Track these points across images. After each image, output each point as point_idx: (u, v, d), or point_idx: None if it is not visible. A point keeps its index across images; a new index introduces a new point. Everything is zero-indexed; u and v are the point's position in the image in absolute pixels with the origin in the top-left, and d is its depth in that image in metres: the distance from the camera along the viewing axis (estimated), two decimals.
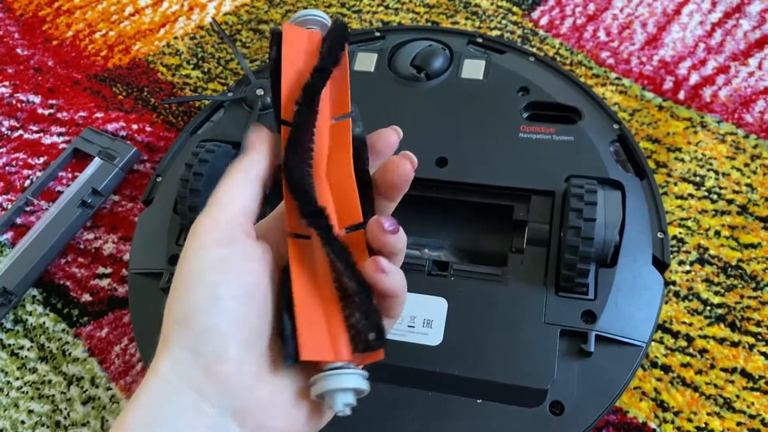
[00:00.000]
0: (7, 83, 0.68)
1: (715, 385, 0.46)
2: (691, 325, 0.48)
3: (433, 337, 0.43)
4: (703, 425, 0.45)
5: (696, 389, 0.46)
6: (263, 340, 0.29)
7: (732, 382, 0.46)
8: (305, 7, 0.70)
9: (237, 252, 0.29)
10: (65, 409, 0.49)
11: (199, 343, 0.28)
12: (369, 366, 0.42)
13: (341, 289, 0.29)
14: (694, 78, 0.60)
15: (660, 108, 0.58)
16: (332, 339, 0.29)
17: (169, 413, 0.27)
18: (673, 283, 0.50)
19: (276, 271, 0.31)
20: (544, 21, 0.66)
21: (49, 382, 0.51)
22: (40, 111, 0.66)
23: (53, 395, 0.50)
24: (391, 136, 0.34)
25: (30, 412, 0.50)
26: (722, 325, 0.48)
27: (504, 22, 0.66)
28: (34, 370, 0.51)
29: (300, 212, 0.29)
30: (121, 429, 0.27)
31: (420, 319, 0.43)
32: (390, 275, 0.29)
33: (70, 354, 0.52)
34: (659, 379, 0.46)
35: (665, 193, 0.54)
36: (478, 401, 0.41)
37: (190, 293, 0.28)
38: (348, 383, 0.29)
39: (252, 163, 0.31)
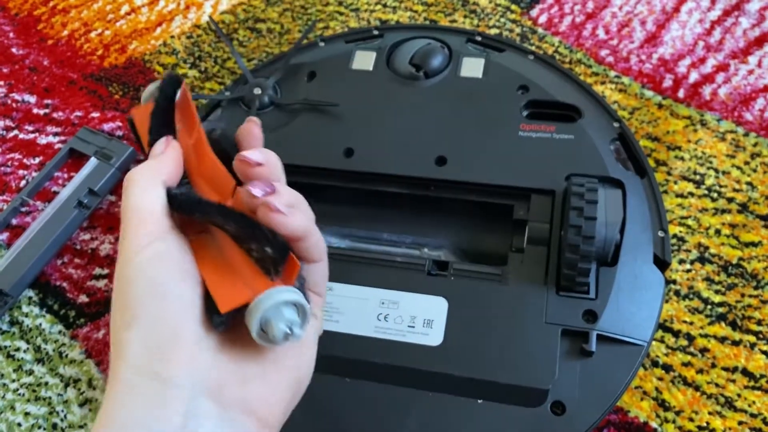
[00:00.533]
0: (2, 83, 0.68)
1: (717, 384, 0.46)
2: (692, 324, 0.48)
3: (434, 337, 0.43)
4: (705, 424, 0.44)
5: (697, 388, 0.46)
6: None
7: (733, 381, 0.46)
8: (302, 6, 0.70)
9: (170, 244, 0.29)
10: (62, 411, 0.49)
11: (149, 333, 0.27)
12: (365, 368, 0.42)
13: (243, 246, 0.30)
14: (694, 76, 0.60)
15: (660, 106, 0.58)
16: (246, 282, 0.29)
17: (136, 412, 0.26)
18: (674, 281, 0.50)
19: None
20: (542, 19, 0.65)
21: (46, 384, 0.50)
22: (35, 111, 0.66)
23: (50, 397, 0.50)
24: (251, 127, 0.34)
25: (26, 414, 0.49)
26: (723, 324, 0.48)
27: (503, 20, 0.66)
28: (30, 372, 0.51)
29: (184, 212, 0.31)
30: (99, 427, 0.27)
31: (420, 320, 0.43)
32: (274, 211, 0.29)
33: (66, 356, 0.51)
34: (660, 379, 0.46)
35: (665, 192, 0.53)
36: (479, 402, 0.41)
37: (131, 291, 0.28)
38: (271, 299, 0.28)
39: (153, 169, 0.32)
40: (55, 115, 0.65)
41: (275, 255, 0.28)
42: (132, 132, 0.38)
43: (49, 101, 0.66)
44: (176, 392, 0.27)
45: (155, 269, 0.28)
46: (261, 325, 0.28)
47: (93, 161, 0.60)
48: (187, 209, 0.31)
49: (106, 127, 0.63)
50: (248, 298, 0.28)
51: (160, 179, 0.31)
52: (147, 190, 0.31)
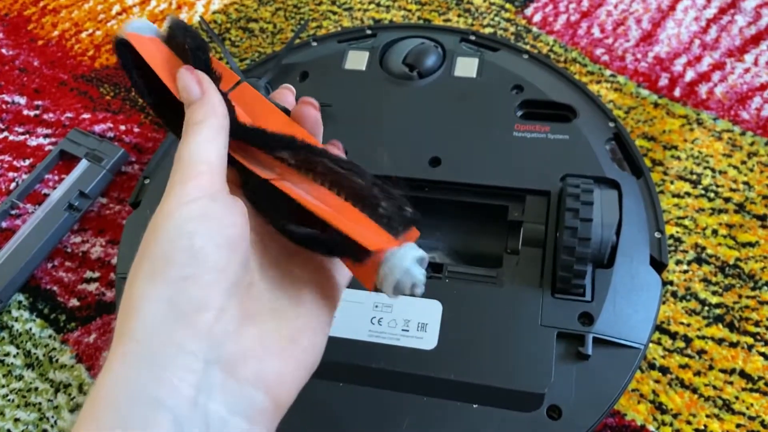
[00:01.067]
0: None
1: (714, 387, 0.45)
2: (689, 325, 0.48)
3: (428, 341, 0.42)
4: (702, 427, 0.44)
5: (695, 391, 0.45)
6: (244, 288, 0.28)
7: (731, 383, 0.45)
8: (295, 6, 0.69)
9: (219, 205, 0.28)
10: (52, 417, 0.48)
11: (176, 293, 0.26)
12: (359, 372, 0.41)
13: (345, 192, 0.29)
14: (690, 75, 0.59)
15: (655, 105, 0.58)
16: (378, 233, 0.28)
17: (144, 380, 0.25)
18: (671, 283, 0.49)
19: (254, 224, 0.30)
20: (537, 18, 0.65)
21: (36, 389, 0.50)
22: (25, 112, 0.65)
23: (40, 403, 0.49)
24: (286, 94, 0.34)
25: (16, 420, 0.48)
26: (720, 326, 0.47)
27: (497, 19, 0.65)
28: (20, 378, 0.50)
29: (269, 148, 0.30)
30: (93, 406, 0.25)
31: (414, 323, 0.43)
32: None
33: (57, 360, 0.51)
34: (657, 381, 0.46)
35: (661, 192, 0.53)
36: (474, 406, 0.40)
37: (165, 245, 0.26)
38: (413, 252, 0.27)
39: (212, 115, 0.29)
40: (45, 116, 0.64)
41: (410, 215, 0.29)
42: (119, 56, 0.33)
43: (39, 102, 0.65)
44: (190, 361, 0.25)
45: (197, 229, 0.26)
46: (399, 277, 0.27)
47: (84, 163, 0.59)
48: (305, 155, 0.30)
49: (97, 128, 0.63)
50: (393, 245, 0.27)
51: (223, 130, 0.29)
52: (209, 140, 0.29)
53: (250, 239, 0.30)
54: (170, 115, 0.33)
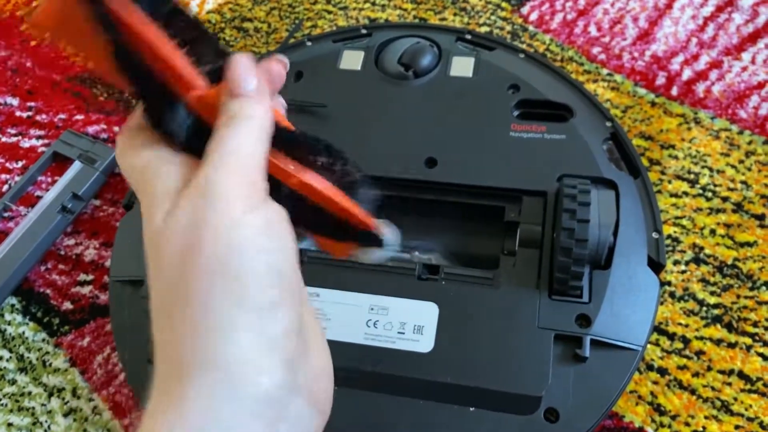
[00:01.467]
0: None
1: (713, 388, 0.45)
2: (687, 326, 0.47)
3: (424, 343, 0.42)
4: (701, 429, 0.44)
5: (693, 392, 0.45)
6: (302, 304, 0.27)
7: (729, 384, 0.45)
8: (290, 5, 0.69)
9: (272, 211, 0.25)
10: (46, 421, 0.48)
11: (264, 323, 0.24)
12: (355, 376, 0.41)
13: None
14: (687, 73, 0.59)
15: (653, 104, 0.57)
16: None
17: (226, 413, 0.22)
18: (669, 283, 0.49)
19: None
20: (533, 17, 0.65)
21: (29, 393, 0.49)
22: (18, 113, 0.64)
23: (33, 407, 0.49)
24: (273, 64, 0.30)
25: (9, 425, 0.48)
26: (719, 326, 0.47)
27: (493, 18, 0.65)
28: (13, 382, 0.50)
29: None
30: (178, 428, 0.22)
31: (410, 326, 0.42)
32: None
33: (50, 364, 0.50)
34: (655, 383, 0.45)
35: (659, 192, 0.53)
36: (471, 409, 0.40)
37: (244, 263, 0.23)
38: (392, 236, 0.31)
39: (264, 115, 0.27)
40: (38, 117, 0.64)
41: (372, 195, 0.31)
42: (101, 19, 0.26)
43: (32, 104, 0.65)
44: (276, 393, 0.24)
45: (271, 246, 0.24)
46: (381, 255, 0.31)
47: (77, 165, 0.59)
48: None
49: (91, 129, 0.62)
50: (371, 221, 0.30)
51: (268, 133, 0.26)
52: (261, 139, 0.26)
53: None
54: (156, 98, 0.28)
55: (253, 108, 0.26)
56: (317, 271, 0.45)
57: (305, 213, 0.29)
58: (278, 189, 0.28)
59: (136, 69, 0.27)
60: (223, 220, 0.23)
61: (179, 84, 0.27)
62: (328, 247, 0.31)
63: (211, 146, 0.25)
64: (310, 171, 0.29)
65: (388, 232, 0.31)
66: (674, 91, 0.58)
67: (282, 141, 0.28)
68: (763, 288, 0.48)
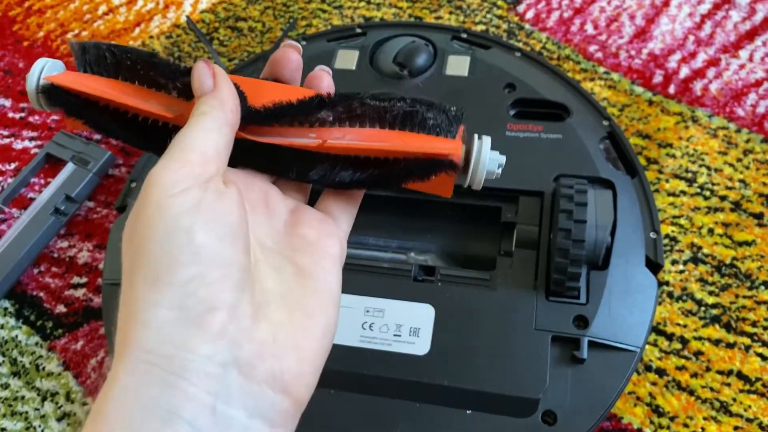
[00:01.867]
0: None
1: (711, 389, 0.45)
2: (685, 326, 0.47)
3: (420, 346, 0.41)
4: (700, 430, 0.43)
5: (692, 393, 0.45)
6: (252, 277, 0.26)
7: (728, 384, 0.45)
8: (284, 4, 0.68)
9: (210, 193, 0.26)
10: (39, 426, 0.48)
11: (183, 296, 0.24)
12: (350, 379, 0.40)
13: (390, 122, 0.30)
14: (684, 71, 0.58)
15: (650, 103, 0.57)
16: (440, 141, 0.29)
17: (158, 391, 0.23)
18: (667, 283, 0.49)
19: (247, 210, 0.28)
20: (530, 15, 0.64)
21: (23, 398, 0.49)
22: (10, 115, 0.64)
23: (27, 412, 0.48)
24: (290, 52, 0.33)
25: (2, 430, 0.48)
26: (717, 326, 0.47)
27: (489, 16, 0.65)
28: (6, 386, 0.49)
29: (305, 114, 0.30)
30: (99, 423, 0.23)
31: (406, 328, 0.42)
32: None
33: (44, 368, 0.50)
34: (654, 384, 0.45)
35: (657, 191, 0.52)
36: (468, 412, 0.40)
37: (161, 245, 0.24)
38: (488, 141, 0.30)
39: (218, 108, 0.28)
40: (30, 119, 0.63)
41: (455, 114, 0.30)
42: (64, 106, 0.31)
43: (24, 105, 0.64)
44: (206, 367, 0.24)
45: (194, 222, 0.25)
46: (489, 166, 0.29)
47: (70, 166, 0.58)
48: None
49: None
50: (458, 144, 0.29)
51: (228, 125, 0.28)
52: (208, 129, 0.27)
53: (252, 203, 0.29)
54: (145, 139, 0.31)
55: (207, 104, 0.28)
56: None
57: (361, 171, 0.30)
58: (312, 162, 0.30)
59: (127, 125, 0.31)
60: (149, 204, 0.25)
61: (159, 117, 0.30)
62: (427, 188, 0.31)
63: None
64: (339, 128, 0.30)
65: (474, 146, 0.29)
66: (671, 90, 0.58)
67: (271, 116, 0.29)
68: (762, 287, 0.48)
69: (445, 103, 0.30)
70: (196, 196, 0.25)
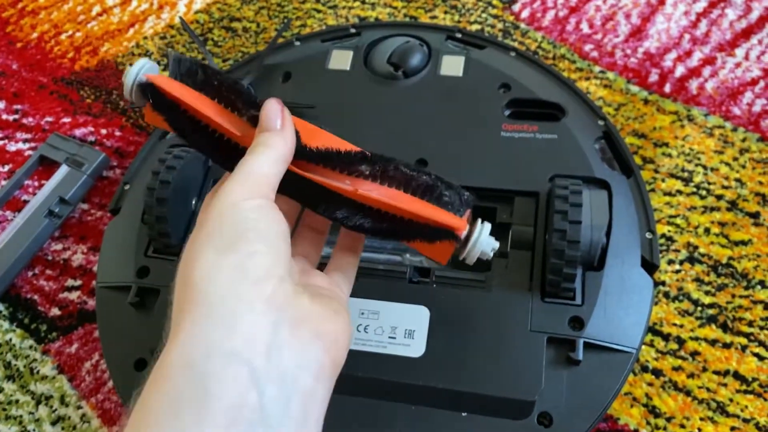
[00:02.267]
0: None
1: (708, 389, 0.44)
2: (682, 326, 0.47)
3: (415, 348, 0.41)
4: (696, 431, 0.43)
5: (688, 393, 0.44)
6: (295, 272, 0.34)
7: (725, 385, 0.44)
8: (279, 4, 0.68)
9: (271, 206, 0.31)
10: (34, 430, 0.47)
11: (245, 262, 0.29)
12: (345, 382, 0.40)
13: (413, 189, 0.34)
14: (680, 70, 0.58)
15: (646, 102, 0.57)
16: (449, 215, 0.34)
17: (221, 333, 0.27)
18: (663, 283, 0.48)
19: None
20: (525, 14, 0.64)
21: (17, 401, 0.49)
22: (4, 117, 0.63)
23: (21, 416, 0.48)
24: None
25: None
26: (714, 326, 0.47)
27: (484, 15, 0.64)
28: (0, 390, 0.49)
29: (348, 164, 0.35)
30: (164, 368, 0.27)
31: (401, 330, 0.42)
32: None
33: (38, 372, 0.50)
34: (650, 384, 0.45)
35: (653, 190, 0.52)
36: (464, 414, 0.39)
37: (233, 227, 0.30)
38: (487, 228, 0.35)
39: (282, 145, 0.33)
40: (24, 120, 0.63)
41: (467, 199, 0.35)
42: (149, 97, 0.36)
43: (18, 106, 0.64)
44: (261, 320, 0.28)
45: (260, 218, 0.30)
46: (484, 247, 0.34)
47: (64, 168, 0.58)
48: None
49: (78, 132, 0.61)
50: (464, 223, 0.34)
51: (285, 161, 0.33)
52: (271, 161, 0.32)
53: None
54: (210, 147, 0.36)
55: (273, 139, 0.33)
56: None
57: (379, 222, 0.35)
58: (341, 203, 0.35)
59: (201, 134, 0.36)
60: (223, 203, 0.30)
61: (227, 133, 0.35)
62: (426, 251, 0.35)
63: (236, 167, 0.32)
64: (371, 182, 0.34)
65: (476, 229, 0.34)
66: (667, 88, 0.57)
67: (320, 158, 0.34)
68: (758, 287, 0.48)
69: (460, 187, 0.35)
70: (260, 203, 0.31)
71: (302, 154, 0.34)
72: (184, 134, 0.37)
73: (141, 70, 0.36)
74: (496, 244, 0.35)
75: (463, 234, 0.34)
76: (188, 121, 0.36)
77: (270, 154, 0.33)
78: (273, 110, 0.34)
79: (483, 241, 0.34)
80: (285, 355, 0.28)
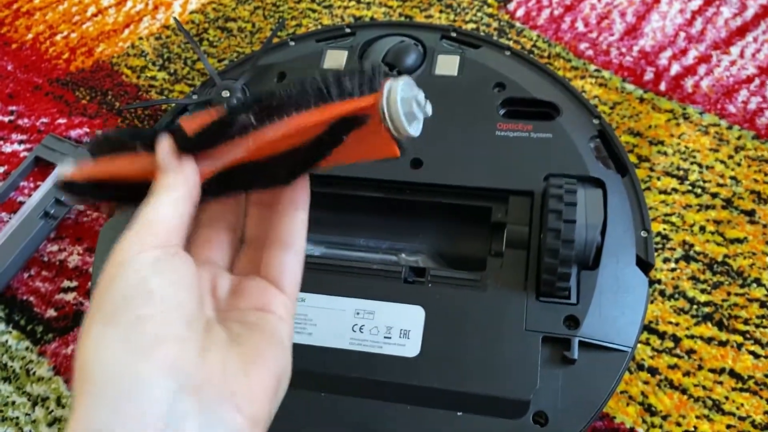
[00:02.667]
0: None
1: (704, 387, 0.44)
2: (677, 324, 0.47)
3: (411, 348, 0.41)
4: (692, 429, 0.43)
5: (684, 391, 0.44)
6: (202, 323, 0.28)
7: (721, 383, 0.45)
8: (274, 4, 0.68)
9: (171, 254, 0.28)
10: (30, 431, 0.47)
11: (131, 332, 0.26)
12: (341, 382, 0.40)
13: (314, 103, 0.29)
14: (675, 68, 0.58)
15: (641, 100, 0.57)
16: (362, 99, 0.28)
17: (111, 416, 0.24)
18: (659, 281, 0.48)
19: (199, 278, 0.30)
20: (520, 12, 0.64)
21: (13, 403, 0.49)
22: None
23: (17, 417, 0.48)
24: None
25: None
26: (709, 324, 0.47)
27: (479, 14, 0.64)
28: None
29: (229, 126, 0.30)
30: None
31: (396, 330, 0.42)
32: None
33: (34, 373, 0.50)
34: (646, 382, 0.45)
35: (648, 189, 0.52)
36: (459, 414, 0.39)
37: (118, 289, 0.27)
38: (402, 79, 0.28)
39: (182, 184, 0.30)
40: (20, 122, 0.63)
41: (370, 76, 0.28)
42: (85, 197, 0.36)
43: (13, 108, 0.64)
44: (156, 393, 0.25)
45: (151, 273, 0.27)
46: (404, 108, 0.28)
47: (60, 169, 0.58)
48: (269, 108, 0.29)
49: (73, 133, 0.61)
50: (374, 99, 0.28)
51: (190, 199, 0.30)
52: (172, 203, 0.29)
53: (203, 288, 0.31)
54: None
55: (168, 179, 0.30)
56: (304, 276, 0.44)
57: (312, 154, 0.30)
58: (251, 169, 0.30)
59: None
60: (112, 262, 0.28)
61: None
62: (370, 154, 0.30)
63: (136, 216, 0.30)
64: (267, 127, 0.29)
65: (384, 90, 0.28)
66: (662, 87, 0.57)
67: (206, 140, 0.30)
68: (754, 285, 0.48)
69: (366, 71, 0.29)
70: (156, 254, 0.28)
71: (186, 144, 0.31)
72: (123, 199, 0.34)
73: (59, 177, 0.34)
74: (419, 94, 0.29)
75: (379, 108, 0.28)
76: (116, 187, 0.33)
77: (169, 195, 0.30)
78: (163, 149, 0.31)
79: (397, 96, 0.27)
80: (186, 428, 0.25)
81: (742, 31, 0.60)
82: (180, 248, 0.29)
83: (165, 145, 0.31)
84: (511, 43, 0.61)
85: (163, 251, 0.28)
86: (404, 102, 0.28)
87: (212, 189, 0.32)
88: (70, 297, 0.53)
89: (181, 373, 0.26)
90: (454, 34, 0.54)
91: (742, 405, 0.44)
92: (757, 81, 0.57)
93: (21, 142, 0.62)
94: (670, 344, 0.46)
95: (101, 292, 0.27)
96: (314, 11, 0.67)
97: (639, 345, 0.46)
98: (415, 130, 0.29)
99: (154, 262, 0.27)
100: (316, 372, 0.41)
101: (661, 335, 0.46)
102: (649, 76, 0.58)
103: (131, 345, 0.25)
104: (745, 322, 0.46)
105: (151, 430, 0.24)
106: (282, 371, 0.30)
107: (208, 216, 0.34)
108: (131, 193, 0.32)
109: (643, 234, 0.44)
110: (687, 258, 0.49)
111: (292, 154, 0.30)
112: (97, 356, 0.25)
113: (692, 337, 0.46)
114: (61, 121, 0.62)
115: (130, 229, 0.29)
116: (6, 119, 0.63)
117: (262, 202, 0.34)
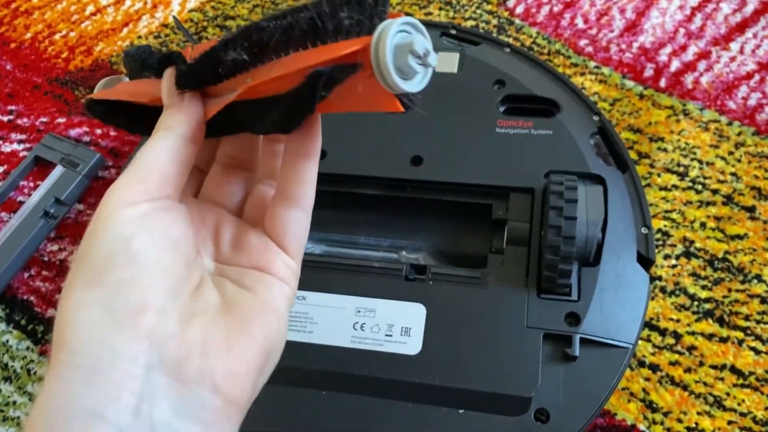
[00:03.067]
0: None
1: (705, 383, 0.44)
2: (678, 321, 0.47)
3: (412, 345, 0.41)
4: (694, 425, 0.43)
5: (685, 388, 0.44)
6: (188, 288, 0.27)
7: (722, 379, 0.44)
8: (273, 2, 0.68)
9: (160, 207, 0.27)
10: None
11: (112, 297, 0.24)
12: (342, 380, 0.40)
13: (307, 38, 0.25)
14: (675, 64, 0.58)
15: (641, 96, 0.57)
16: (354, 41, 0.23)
17: (81, 390, 0.23)
18: (659, 278, 0.48)
19: (196, 228, 0.29)
20: (520, 9, 0.64)
21: (14, 403, 0.49)
22: None
23: (18, 417, 0.48)
24: None
25: None
26: (710, 321, 0.47)
27: (479, 11, 0.64)
28: None
29: (221, 62, 0.27)
30: (28, 427, 0.23)
31: (398, 328, 0.42)
32: None
33: (35, 373, 0.50)
34: (647, 379, 0.45)
35: (648, 185, 0.52)
36: (460, 411, 0.39)
37: (101, 250, 0.25)
38: (395, 22, 0.22)
39: (184, 123, 0.28)
40: (19, 121, 0.63)
41: (371, 4, 0.23)
42: (101, 116, 0.34)
43: (12, 107, 0.64)
44: (130, 367, 0.24)
45: (135, 231, 0.25)
46: (395, 59, 0.22)
47: (59, 169, 0.58)
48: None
49: (73, 132, 0.61)
50: (363, 44, 0.23)
51: (192, 142, 0.28)
52: (171, 149, 0.28)
53: (203, 235, 0.29)
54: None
55: (170, 120, 0.28)
56: (303, 274, 0.44)
57: (297, 103, 0.26)
58: (269, 106, 0.27)
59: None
60: (100, 217, 0.26)
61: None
62: (367, 106, 0.25)
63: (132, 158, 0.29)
64: (254, 71, 0.26)
65: (375, 33, 0.23)
66: (662, 83, 0.57)
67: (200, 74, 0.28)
68: (755, 281, 0.48)
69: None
70: (144, 208, 0.26)
71: (192, 80, 0.28)
72: (141, 126, 0.32)
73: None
74: (419, 43, 0.23)
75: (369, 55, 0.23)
76: (135, 109, 0.32)
77: (168, 138, 0.28)
78: (165, 83, 0.29)
79: (385, 48, 0.22)
80: (159, 406, 0.24)
81: (741, 27, 0.60)
82: (173, 200, 0.28)
83: (169, 79, 0.29)
84: (510, 40, 0.61)
85: (152, 205, 0.26)
86: (397, 51, 0.22)
87: (218, 128, 0.30)
88: None
89: (159, 348, 0.24)
90: (453, 32, 0.54)
91: (743, 401, 0.44)
92: (756, 77, 0.57)
93: (20, 141, 0.62)
94: (671, 341, 0.46)
95: (84, 250, 0.26)
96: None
97: (640, 342, 0.46)
98: (412, 86, 0.24)
99: (142, 219, 0.26)
100: (317, 370, 0.41)
101: (662, 332, 0.46)
102: (649, 72, 0.58)
103: (110, 313, 0.24)
104: (746, 318, 0.46)
105: (123, 406, 0.23)
106: (272, 343, 0.28)
107: (224, 153, 0.32)
108: (149, 119, 0.30)
109: (644, 230, 0.44)
110: (688, 254, 0.49)
111: (277, 100, 0.27)
112: (75, 321, 0.24)
113: (693, 333, 0.46)
114: (61, 120, 0.62)
115: (122, 177, 0.27)
116: (5, 119, 0.63)
117: (272, 151, 0.33)
